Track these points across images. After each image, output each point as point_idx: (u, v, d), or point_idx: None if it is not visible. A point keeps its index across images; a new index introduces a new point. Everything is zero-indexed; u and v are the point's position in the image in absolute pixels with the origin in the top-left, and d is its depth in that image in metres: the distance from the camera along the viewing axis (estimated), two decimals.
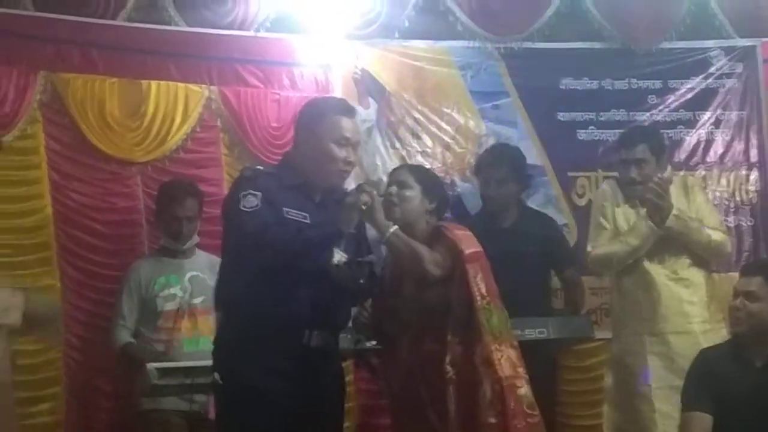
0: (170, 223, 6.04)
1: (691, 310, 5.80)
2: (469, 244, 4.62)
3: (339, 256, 4.36)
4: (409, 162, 6.80)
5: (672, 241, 5.79)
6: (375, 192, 4.50)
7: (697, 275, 5.87)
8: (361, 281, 4.49)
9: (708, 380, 4.82)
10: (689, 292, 5.83)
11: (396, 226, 4.53)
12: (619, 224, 5.94)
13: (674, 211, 5.68)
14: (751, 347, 4.81)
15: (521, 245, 6.03)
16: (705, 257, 5.91)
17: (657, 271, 5.85)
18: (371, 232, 4.67)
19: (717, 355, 4.96)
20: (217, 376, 4.52)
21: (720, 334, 5.61)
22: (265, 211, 4.34)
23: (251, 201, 4.33)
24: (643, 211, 5.80)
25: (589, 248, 6.07)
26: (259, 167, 4.84)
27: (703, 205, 6.00)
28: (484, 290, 4.52)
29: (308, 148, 4.53)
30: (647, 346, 5.77)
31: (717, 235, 5.86)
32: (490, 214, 6.29)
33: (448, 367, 4.50)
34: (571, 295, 6.41)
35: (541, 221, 6.41)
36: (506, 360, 4.45)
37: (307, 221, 4.42)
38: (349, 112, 4.65)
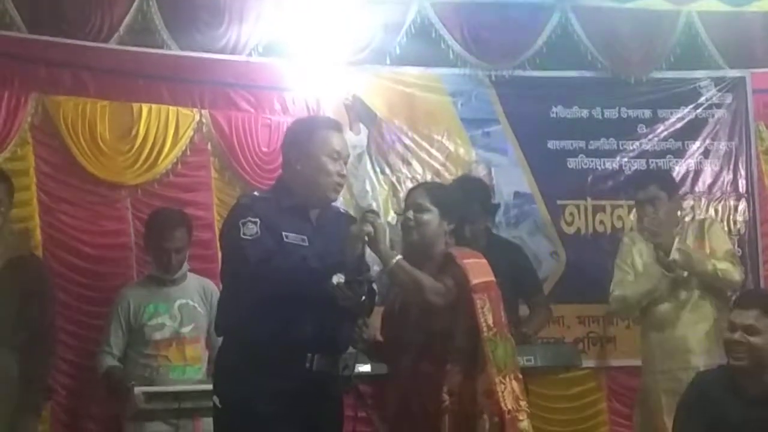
0: (159, 255, 6.00)
1: (697, 346, 5.89)
2: (478, 273, 4.56)
3: (337, 278, 4.36)
4: (400, 189, 6.83)
5: (682, 277, 5.95)
6: (379, 221, 4.50)
7: (707, 308, 5.97)
8: (363, 299, 4.47)
9: (701, 406, 4.79)
10: (698, 327, 5.94)
11: (399, 256, 4.49)
12: (636, 265, 6.14)
13: (677, 245, 5.83)
14: (747, 377, 4.77)
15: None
16: (716, 287, 5.98)
17: (666, 307, 5.99)
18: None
19: (711, 380, 4.91)
20: (216, 399, 4.50)
21: None
22: (265, 238, 4.34)
23: (251, 229, 4.33)
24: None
25: (610, 289, 6.19)
26: (255, 193, 4.87)
27: (716, 236, 6.15)
28: (491, 321, 4.47)
29: (301, 167, 4.52)
30: (660, 383, 5.91)
31: (723, 265, 5.95)
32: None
33: (445, 396, 4.47)
34: (535, 321, 6.27)
35: (508, 250, 6.32)
36: (509, 393, 4.41)
37: (306, 244, 4.42)
38: (337, 127, 4.68)
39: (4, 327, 5.50)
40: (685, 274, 5.93)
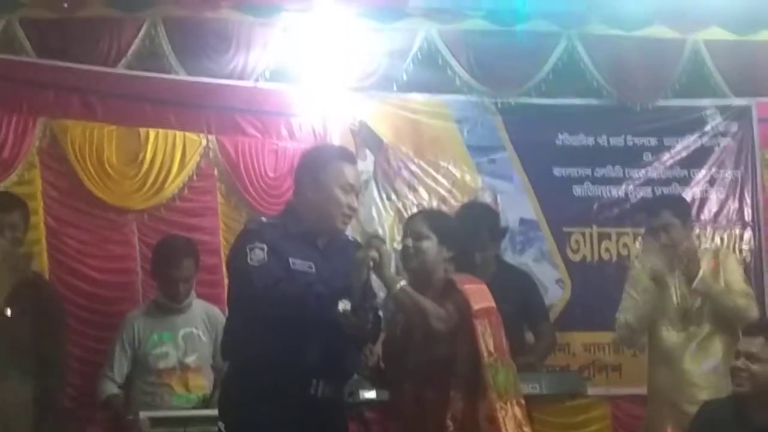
0: (167, 283, 5.99)
1: (704, 381, 5.79)
2: (479, 299, 4.56)
3: (343, 305, 4.36)
4: (406, 215, 6.83)
5: (694, 310, 5.87)
6: (384, 246, 4.50)
7: (715, 343, 5.88)
8: (369, 326, 4.48)
9: None
10: (706, 362, 5.85)
11: (404, 282, 4.50)
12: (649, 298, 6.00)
13: (700, 274, 5.77)
14: (753, 407, 4.77)
15: (498, 302, 5.93)
16: (730, 321, 5.89)
17: (675, 339, 5.90)
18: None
19: (718, 409, 4.91)
20: (221, 425, 4.51)
21: None
22: (272, 264, 4.34)
23: (258, 255, 4.33)
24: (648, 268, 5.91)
25: (617, 317, 6.08)
26: (262, 219, 4.88)
27: (732, 269, 6.05)
28: (491, 347, 4.47)
29: (312, 195, 4.52)
30: (665, 415, 5.83)
31: (741, 301, 5.86)
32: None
33: (449, 422, 4.47)
34: (540, 350, 6.29)
35: (516, 277, 6.35)
36: (510, 419, 4.40)
37: (313, 271, 4.42)
38: (352, 159, 4.69)
39: (17, 352, 5.50)
40: (697, 304, 5.85)
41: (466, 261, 5.47)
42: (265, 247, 4.35)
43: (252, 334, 4.37)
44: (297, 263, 4.41)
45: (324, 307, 4.31)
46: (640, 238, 6.70)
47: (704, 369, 5.83)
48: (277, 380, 4.33)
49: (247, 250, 4.35)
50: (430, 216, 4.98)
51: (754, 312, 5.94)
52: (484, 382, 4.44)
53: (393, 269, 4.51)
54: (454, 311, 4.50)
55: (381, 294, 4.79)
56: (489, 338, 4.50)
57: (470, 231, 5.94)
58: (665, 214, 5.94)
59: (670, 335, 5.91)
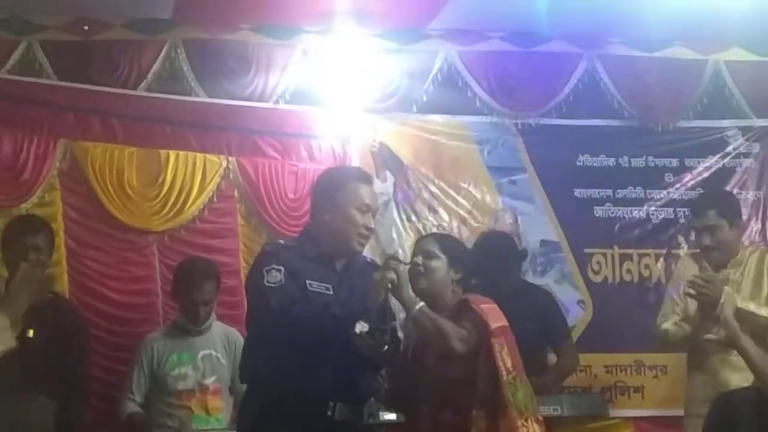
0: (187, 306, 5.96)
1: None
2: (495, 318, 4.55)
3: (361, 326, 4.35)
4: None
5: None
6: (402, 267, 4.49)
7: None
8: (386, 348, 4.46)
9: (729, 427, 4.69)
10: (738, 376, 5.41)
11: (422, 303, 4.47)
12: (690, 303, 5.63)
13: (735, 303, 5.27)
14: None
15: (520, 320, 5.87)
16: None
17: (708, 351, 5.55)
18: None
19: (738, 402, 4.80)
20: None
21: None
22: (289, 285, 4.33)
23: (275, 276, 4.32)
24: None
25: (657, 322, 5.81)
26: (280, 241, 4.88)
27: None
28: (510, 365, 4.45)
29: (329, 217, 4.50)
30: (699, 427, 5.51)
31: None
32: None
33: None
34: (560, 370, 6.22)
35: (538, 295, 6.29)
36: None
37: (331, 293, 4.40)
38: (368, 179, 4.66)
39: (40, 374, 5.49)
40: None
41: (486, 285, 5.51)
42: (282, 269, 4.35)
43: (269, 356, 4.35)
44: (314, 285, 4.40)
45: (341, 329, 4.29)
46: (662, 258, 6.52)
47: (743, 380, 5.31)
48: (294, 402, 4.31)
49: (264, 272, 4.35)
50: (440, 238, 4.97)
51: None
52: (504, 401, 4.42)
53: (410, 290, 4.50)
54: (472, 330, 4.49)
55: (401, 315, 4.78)
56: (507, 357, 4.48)
57: (490, 259, 5.97)
58: (711, 214, 5.62)
59: (706, 346, 5.49)
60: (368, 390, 4.61)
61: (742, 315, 5.27)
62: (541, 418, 4.50)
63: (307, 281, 4.39)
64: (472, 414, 4.47)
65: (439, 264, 4.67)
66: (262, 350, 4.41)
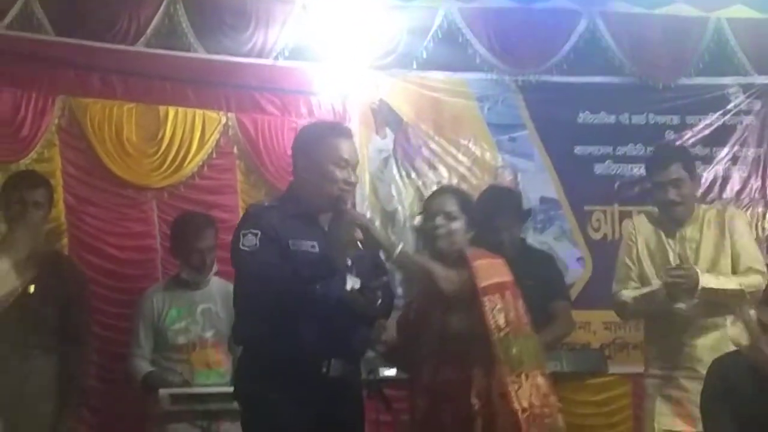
0: (191, 256, 5.93)
1: (707, 355, 5.23)
2: (490, 274, 4.53)
3: (352, 282, 4.35)
4: (425, 193, 6.81)
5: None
6: (365, 219, 4.50)
7: (720, 318, 5.40)
8: (379, 302, 4.45)
9: (727, 398, 4.66)
10: (709, 334, 5.39)
11: (401, 245, 4.53)
12: (646, 266, 5.53)
13: (702, 284, 5.22)
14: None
15: (520, 280, 5.78)
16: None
17: (671, 318, 5.40)
18: None
19: (732, 368, 4.76)
20: (238, 406, 4.55)
21: None
22: (265, 250, 4.33)
23: (250, 240, 4.33)
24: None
25: (613, 288, 5.67)
26: (264, 202, 4.86)
27: (740, 240, 5.50)
28: (501, 322, 4.44)
29: (307, 174, 4.50)
30: (660, 388, 5.43)
31: (752, 279, 5.34)
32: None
33: (474, 400, 4.43)
34: (552, 331, 5.93)
35: (541, 259, 6.18)
36: (527, 390, 4.38)
37: (316, 250, 4.39)
38: (345, 134, 4.62)
39: (42, 329, 5.50)
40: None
41: (489, 241, 5.49)
42: (259, 233, 4.35)
43: (258, 318, 4.38)
44: (297, 244, 4.38)
45: (330, 286, 4.30)
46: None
47: (707, 341, 5.37)
48: (288, 362, 4.32)
49: (240, 236, 4.37)
50: (459, 195, 4.86)
51: (764, 287, 5.66)
52: (494, 358, 4.42)
53: (384, 237, 4.51)
54: (465, 277, 4.48)
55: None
56: (499, 313, 4.47)
57: (494, 212, 5.89)
58: (675, 167, 5.45)
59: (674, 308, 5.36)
60: (362, 346, 4.61)
61: (708, 293, 5.23)
62: (546, 372, 4.52)
63: (290, 241, 4.37)
64: (473, 371, 4.50)
65: (459, 225, 4.66)
66: (251, 312, 4.44)
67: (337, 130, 4.64)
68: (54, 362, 5.58)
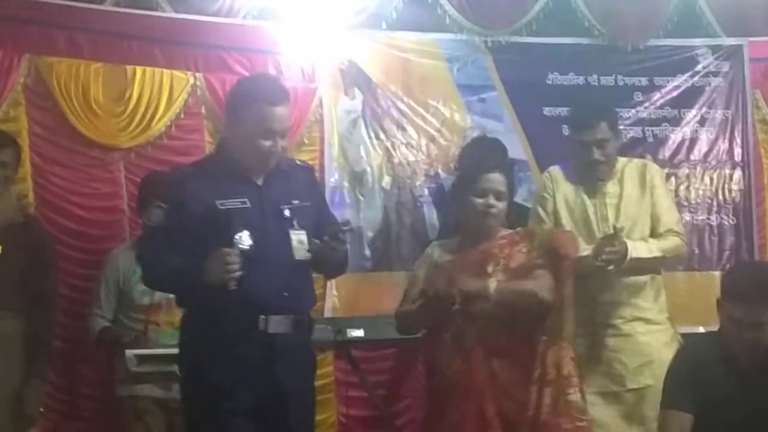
0: (144, 225, 5.91)
1: (632, 312, 5.36)
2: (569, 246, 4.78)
3: (297, 235, 4.33)
4: (394, 154, 6.84)
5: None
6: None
7: (641, 277, 5.37)
8: (347, 248, 4.44)
9: (690, 379, 4.68)
10: (627, 293, 5.37)
11: (495, 281, 4.58)
12: (564, 221, 5.42)
13: (631, 255, 5.16)
14: (741, 354, 4.64)
15: None
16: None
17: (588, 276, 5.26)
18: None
19: (701, 353, 4.80)
20: (177, 369, 4.58)
21: (665, 335, 5.45)
22: (170, 224, 4.36)
23: (156, 213, 4.41)
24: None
25: None
26: (188, 166, 4.77)
27: (660, 200, 5.47)
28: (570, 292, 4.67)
29: (234, 134, 4.46)
30: (583, 348, 5.20)
31: (670, 242, 5.36)
32: None
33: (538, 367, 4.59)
34: None
35: (520, 214, 6.25)
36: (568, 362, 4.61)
37: (248, 206, 4.33)
38: (279, 100, 4.45)
39: (9, 291, 5.48)
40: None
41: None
42: (167, 206, 4.37)
43: (185, 278, 4.36)
44: (227, 203, 4.32)
45: (266, 241, 4.28)
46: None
47: (631, 300, 5.35)
48: (223, 320, 4.28)
49: (148, 204, 4.39)
50: (508, 173, 4.92)
51: (682, 249, 5.52)
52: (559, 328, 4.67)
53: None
54: (551, 284, 4.63)
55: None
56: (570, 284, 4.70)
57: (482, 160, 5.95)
58: (603, 127, 5.38)
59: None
60: (306, 301, 4.54)
61: (636, 262, 5.20)
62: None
63: (217, 201, 4.32)
64: (538, 339, 4.63)
65: (505, 205, 4.78)
66: (180, 275, 4.38)
67: (269, 95, 4.44)
68: (21, 324, 5.57)
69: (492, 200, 4.71)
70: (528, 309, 4.61)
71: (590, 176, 5.45)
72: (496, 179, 4.77)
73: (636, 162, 5.65)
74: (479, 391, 4.55)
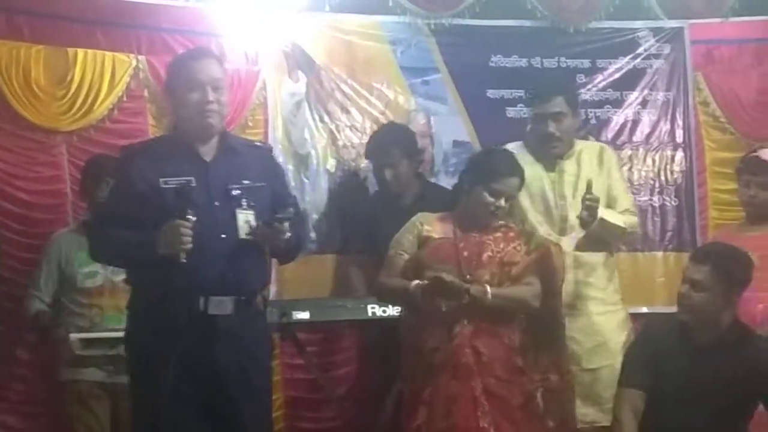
0: (94, 203, 5.89)
1: (586, 291, 5.53)
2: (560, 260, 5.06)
3: (245, 216, 4.33)
4: (338, 137, 6.85)
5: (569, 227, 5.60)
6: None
7: (593, 256, 5.58)
8: (287, 235, 4.39)
9: (648, 356, 4.77)
10: (583, 272, 5.54)
11: (489, 289, 4.74)
12: (521, 197, 5.48)
13: (600, 215, 5.33)
14: (696, 329, 4.75)
15: None
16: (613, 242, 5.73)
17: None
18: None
19: (661, 330, 4.90)
20: (123, 351, 4.59)
21: (618, 316, 5.54)
22: (115, 198, 4.48)
23: (104, 190, 4.43)
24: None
25: None
26: (139, 143, 4.85)
27: (616, 182, 5.69)
28: None
29: (173, 108, 4.51)
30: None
31: (629, 220, 5.60)
32: (390, 194, 6.29)
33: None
34: None
35: (442, 195, 6.18)
36: None
37: (194, 185, 4.33)
38: (198, 55, 4.57)
39: None
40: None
41: (386, 177, 5.67)
42: (112, 181, 4.49)
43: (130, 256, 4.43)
44: (171, 181, 4.33)
45: (210, 220, 4.30)
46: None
47: (585, 279, 5.53)
48: (166, 300, 4.30)
49: (99, 183, 4.39)
50: (522, 176, 5.11)
51: (638, 229, 5.73)
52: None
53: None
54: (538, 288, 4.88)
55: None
56: None
57: (382, 148, 6.25)
58: (558, 101, 5.53)
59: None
60: (253, 283, 4.53)
61: (602, 224, 5.36)
62: None
63: (161, 180, 4.33)
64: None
65: (509, 204, 5.05)
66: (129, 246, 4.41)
67: (191, 53, 4.62)
68: None
69: (502, 202, 4.90)
70: (516, 312, 4.85)
71: (547, 153, 5.53)
72: (512, 183, 4.96)
73: (594, 144, 5.86)
74: (467, 371, 4.69)
